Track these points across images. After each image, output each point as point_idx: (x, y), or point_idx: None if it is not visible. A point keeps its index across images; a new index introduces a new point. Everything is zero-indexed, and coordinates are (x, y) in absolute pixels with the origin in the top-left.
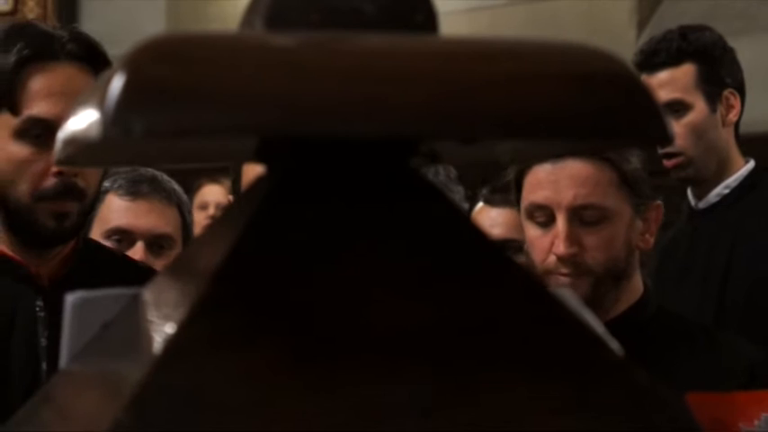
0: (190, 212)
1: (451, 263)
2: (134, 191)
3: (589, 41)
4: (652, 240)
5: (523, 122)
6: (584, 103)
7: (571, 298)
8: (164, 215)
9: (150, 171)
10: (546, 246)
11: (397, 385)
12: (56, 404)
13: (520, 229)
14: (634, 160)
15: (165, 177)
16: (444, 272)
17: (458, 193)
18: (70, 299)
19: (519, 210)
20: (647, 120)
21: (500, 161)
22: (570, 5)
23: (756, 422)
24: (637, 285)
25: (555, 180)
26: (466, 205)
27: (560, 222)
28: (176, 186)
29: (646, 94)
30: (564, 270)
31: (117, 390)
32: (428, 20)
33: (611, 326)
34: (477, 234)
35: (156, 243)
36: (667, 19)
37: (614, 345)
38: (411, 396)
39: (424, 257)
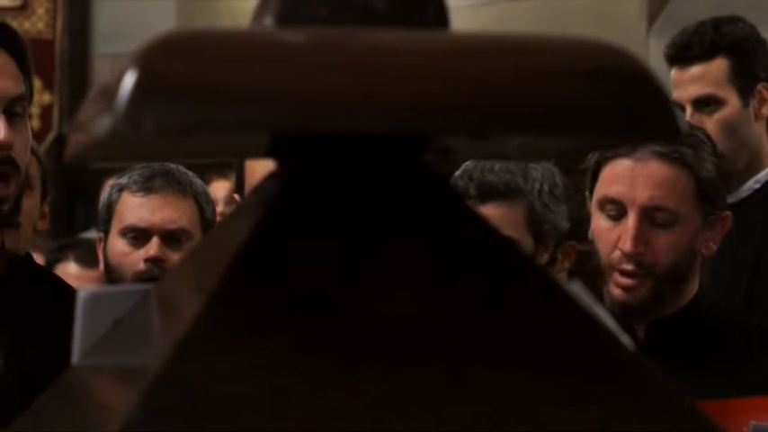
0: (209, 203)
1: (462, 260)
2: (147, 186)
3: (599, 35)
4: (715, 248)
5: (533, 118)
6: (593, 98)
7: (582, 293)
8: (178, 209)
9: (165, 165)
10: (613, 240)
11: (406, 382)
12: (67, 400)
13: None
14: (710, 168)
15: (181, 169)
16: (455, 269)
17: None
18: (82, 294)
19: (590, 198)
20: (657, 115)
21: (510, 156)
22: None
23: (745, 429)
24: (694, 287)
25: (633, 177)
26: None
27: (631, 220)
28: (194, 178)
29: (656, 89)
30: (627, 267)
31: (128, 385)
32: (439, 15)
33: (665, 324)
34: (489, 230)
35: (171, 237)
36: (678, 12)
37: (626, 340)
38: (421, 392)
39: (434, 254)
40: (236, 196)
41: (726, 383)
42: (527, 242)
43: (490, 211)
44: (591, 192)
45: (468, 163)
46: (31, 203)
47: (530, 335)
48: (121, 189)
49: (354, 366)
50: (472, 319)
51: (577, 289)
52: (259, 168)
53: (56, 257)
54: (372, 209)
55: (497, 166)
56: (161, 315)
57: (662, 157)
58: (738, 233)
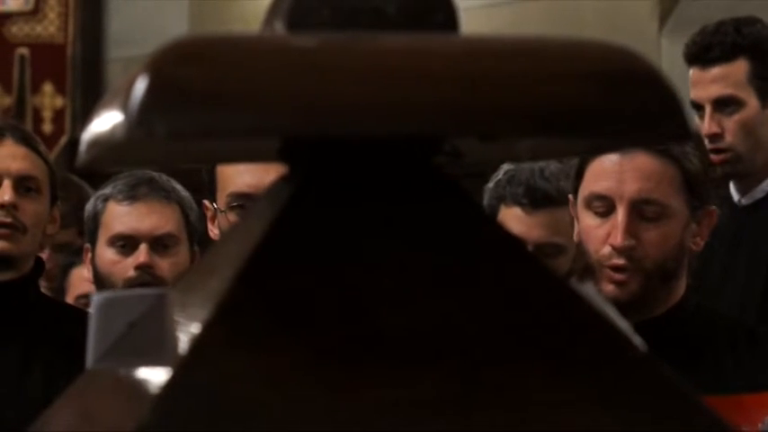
0: (192, 208)
1: (474, 262)
2: (132, 194)
3: (610, 35)
4: (702, 244)
5: (543, 120)
6: (603, 100)
7: (595, 295)
8: (164, 215)
9: (148, 172)
10: (602, 236)
11: (423, 386)
12: (81, 404)
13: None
14: (696, 162)
15: (164, 177)
16: (467, 272)
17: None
18: (96, 299)
19: (575, 198)
20: (668, 117)
21: (520, 158)
22: None
23: (760, 425)
24: (682, 285)
25: (620, 171)
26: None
27: (621, 214)
28: (176, 185)
29: (667, 91)
30: (618, 261)
31: (142, 389)
32: (448, 19)
33: (654, 324)
34: (500, 232)
35: (159, 243)
36: (689, 12)
37: (638, 341)
38: (438, 396)
39: (447, 257)
40: (206, 202)
41: (713, 384)
42: (572, 248)
43: (543, 218)
44: (575, 192)
45: (508, 166)
46: (39, 208)
47: (544, 337)
48: (106, 199)
49: (369, 371)
50: (487, 323)
51: (590, 291)
52: (232, 174)
53: (70, 261)
54: (385, 212)
55: (546, 170)
56: (175, 319)
57: (649, 150)
58: (754, 234)
